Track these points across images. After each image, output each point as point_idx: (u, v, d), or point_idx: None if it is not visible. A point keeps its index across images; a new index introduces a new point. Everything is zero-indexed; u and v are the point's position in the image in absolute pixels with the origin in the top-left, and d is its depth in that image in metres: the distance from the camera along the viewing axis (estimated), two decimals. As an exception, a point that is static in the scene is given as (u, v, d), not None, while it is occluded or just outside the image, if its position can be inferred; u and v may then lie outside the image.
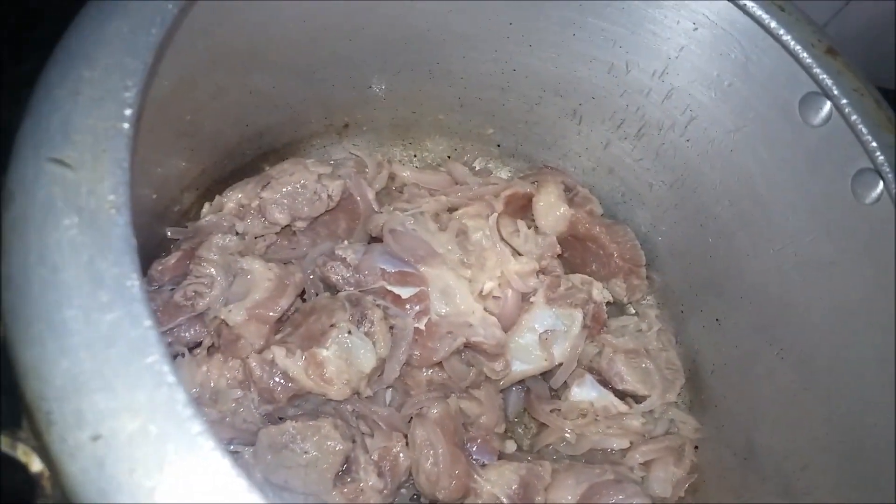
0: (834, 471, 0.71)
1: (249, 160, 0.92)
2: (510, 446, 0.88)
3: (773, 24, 0.69)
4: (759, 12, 0.71)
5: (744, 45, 0.76)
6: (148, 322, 0.39)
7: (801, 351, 0.78)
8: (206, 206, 0.88)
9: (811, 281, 0.77)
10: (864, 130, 0.65)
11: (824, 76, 0.67)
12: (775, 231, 0.80)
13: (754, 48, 0.75)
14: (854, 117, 0.66)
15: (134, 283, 0.40)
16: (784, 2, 0.71)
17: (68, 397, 0.38)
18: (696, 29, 0.78)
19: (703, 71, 0.81)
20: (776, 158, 0.78)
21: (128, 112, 0.44)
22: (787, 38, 0.68)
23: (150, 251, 0.80)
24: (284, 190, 0.87)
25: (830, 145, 0.72)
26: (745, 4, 0.71)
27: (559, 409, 0.90)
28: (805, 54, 0.68)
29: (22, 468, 0.39)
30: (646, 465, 0.88)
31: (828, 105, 0.71)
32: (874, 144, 0.66)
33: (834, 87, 0.67)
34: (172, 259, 0.80)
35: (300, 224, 0.89)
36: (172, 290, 0.79)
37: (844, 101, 0.66)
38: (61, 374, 0.38)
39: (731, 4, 0.73)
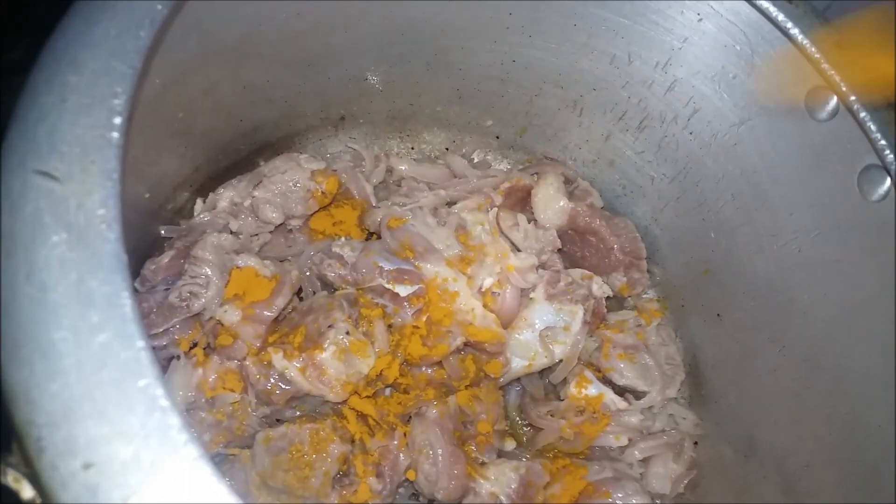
0: (837, 470, 0.70)
1: (244, 155, 0.90)
2: (509, 444, 0.88)
3: (780, 17, 0.67)
4: (766, 4, 0.69)
5: (750, 37, 0.74)
6: (140, 343, 0.38)
7: (804, 348, 0.78)
8: (199, 203, 0.86)
9: (815, 278, 0.77)
10: (873, 127, 0.64)
11: (832, 71, 0.65)
12: (779, 227, 0.79)
13: (760, 41, 0.73)
14: (862, 114, 0.64)
15: (125, 302, 0.38)
16: (791, -7, 0.69)
17: (59, 423, 0.36)
18: (700, 20, 0.76)
19: (707, 63, 0.79)
20: (781, 153, 0.77)
21: (117, 120, 0.42)
22: (794, 31, 0.67)
23: (143, 250, 0.79)
24: (276, 189, 0.86)
25: (837, 141, 0.71)
26: (752, -4, 0.70)
27: (553, 412, 0.88)
28: (813, 49, 0.66)
29: (12, 495, 0.38)
30: (645, 461, 0.88)
31: (834, 99, 0.70)
32: (882, 142, 0.64)
33: (842, 83, 0.65)
34: (166, 258, 0.78)
35: (295, 222, 0.87)
36: (166, 290, 0.78)
37: (853, 97, 0.65)
38: (51, 398, 0.37)
39: (737, -4, 0.71)
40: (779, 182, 0.78)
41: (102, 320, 0.38)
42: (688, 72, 0.82)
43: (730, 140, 0.82)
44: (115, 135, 0.42)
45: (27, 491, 0.38)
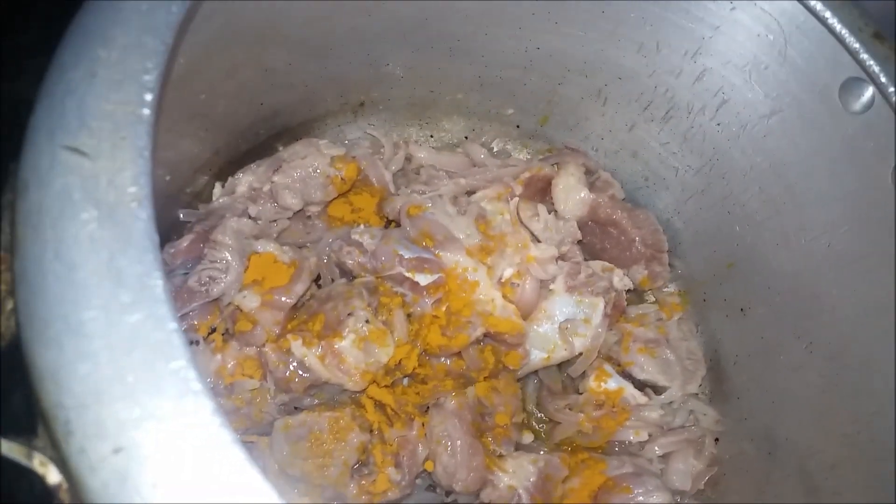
0: (864, 471, 0.69)
1: (263, 140, 0.89)
2: (527, 437, 0.87)
3: (818, 7, 0.66)
4: (803, -7, 0.67)
5: (783, 26, 0.72)
6: (172, 325, 0.37)
7: (831, 345, 0.76)
8: (218, 187, 0.85)
9: (844, 273, 0.75)
10: (913, 120, 0.62)
11: (871, 62, 0.64)
12: (807, 220, 0.78)
13: (794, 30, 0.72)
14: (902, 106, 0.63)
15: (157, 282, 0.37)
16: (829, -17, 0.68)
17: (88, 406, 0.35)
18: (733, 9, 0.75)
19: (738, 52, 0.78)
20: (812, 145, 0.76)
21: (148, 97, 0.41)
22: (832, 20, 0.65)
23: (161, 234, 0.77)
24: (296, 174, 0.84)
25: (871, 133, 0.69)
26: (788, -16, 0.68)
27: (571, 405, 0.87)
28: (851, 38, 0.64)
29: (38, 479, 0.37)
30: (665, 457, 0.86)
31: (870, 91, 0.69)
32: (922, 135, 0.63)
33: (881, 74, 0.64)
34: (185, 242, 0.77)
35: (314, 209, 0.86)
36: (185, 274, 0.77)
37: (892, 88, 0.63)
38: (80, 380, 0.36)
39: (772, -16, 0.70)
40: (809, 175, 0.76)
41: (134, 300, 0.37)
42: (718, 61, 0.80)
43: (759, 132, 0.80)
44: (147, 111, 0.41)
45: (54, 475, 0.37)
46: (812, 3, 0.66)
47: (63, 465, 0.36)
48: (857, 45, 0.64)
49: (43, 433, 0.37)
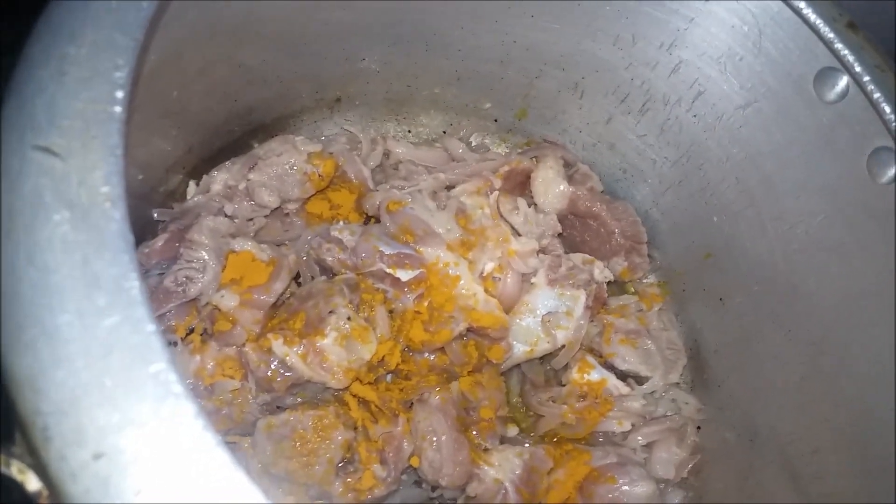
0: (845, 455, 0.70)
1: (237, 137, 0.88)
2: (512, 430, 0.87)
3: (791, -3, 0.66)
4: (777, -17, 0.68)
5: (758, 17, 0.73)
6: (151, 327, 0.36)
7: (810, 333, 0.77)
8: (192, 185, 0.84)
9: (821, 262, 0.76)
10: (887, 109, 0.63)
11: (846, 51, 0.65)
12: (784, 210, 0.79)
13: (769, 21, 0.72)
14: (877, 94, 0.63)
15: (133, 284, 0.36)
16: (803, -27, 0.68)
17: (66, 411, 0.34)
18: (707, 0, 0.75)
19: (713, 44, 0.78)
20: (787, 135, 0.76)
21: (119, 94, 0.40)
22: (807, 11, 0.66)
23: (135, 234, 0.76)
24: (272, 171, 0.83)
25: (845, 122, 0.70)
26: (762, -25, 0.68)
27: (554, 398, 0.87)
28: (826, 28, 0.65)
29: (17, 487, 0.36)
30: (648, 446, 0.87)
31: (844, 81, 0.69)
32: (896, 123, 0.64)
33: (856, 63, 0.64)
34: (160, 241, 0.76)
35: (291, 206, 0.85)
36: (160, 274, 0.76)
37: (867, 77, 0.64)
38: (57, 385, 0.35)
39: (746, -25, 0.70)
40: (785, 165, 0.77)
41: (110, 303, 0.36)
42: (693, 53, 0.80)
43: (735, 123, 0.81)
44: (118, 109, 0.40)
45: (33, 483, 0.36)
46: (786, -7, 0.66)
47: (43, 472, 0.35)
48: (831, 35, 0.65)
49: (20, 440, 0.36)
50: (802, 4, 0.66)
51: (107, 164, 0.38)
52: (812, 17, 0.66)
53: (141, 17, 0.43)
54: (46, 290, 0.36)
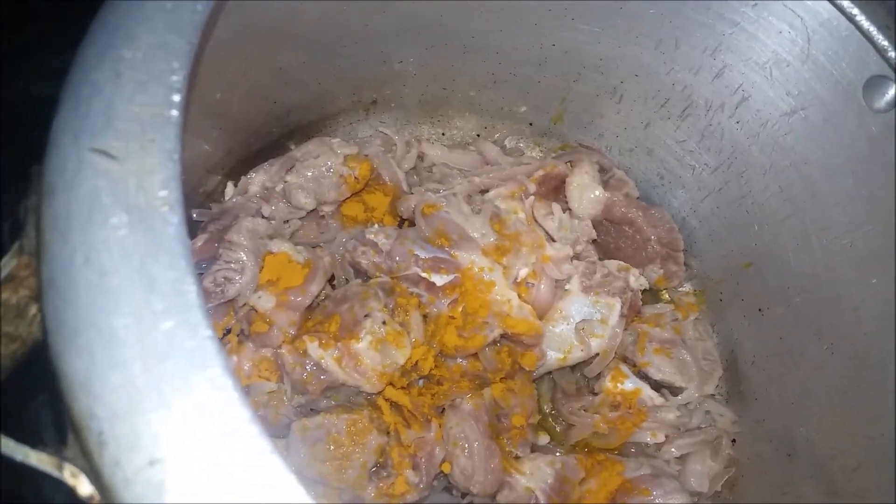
0: (889, 474, 0.68)
1: (275, 139, 0.88)
2: (543, 438, 0.86)
3: (845, 4, 0.65)
4: (828, -12, 0.67)
5: (807, 22, 0.71)
6: (207, 332, 0.35)
7: (853, 346, 0.75)
8: (230, 187, 0.84)
9: (866, 273, 0.74)
10: (942, 119, 0.62)
11: (899, 59, 0.63)
12: (829, 220, 0.77)
13: (818, 27, 0.71)
14: (931, 105, 0.62)
15: (190, 288, 0.36)
16: (856, -21, 0.67)
17: (121, 416, 0.34)
18: (755, 4, 0.74)
19: (758, 49, 0.77)
20: (835, 143, 0.75)
21: (176, 98, 0.40)
22: (860, 18, 0.64)
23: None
24: (309, 174, 0.83)
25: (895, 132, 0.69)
26: (814, -19, 0.67)
27: (586, 407, 0.86)
28: (879, 36, 0.63)
29: (68, 491, 0.36)
30: (681, 458, 0.86)
31: (894, 89, 0.68)
32: (949, 134, 0.62)
33: (909, 72, 0.63)
34: (199, 242, 0.76)
35: (327, 208, 0.85)
36: (199, 274, 0.75)
37: (921, 86, 0.62)
38: (113, 390, 0.35)
39: (796, -20, 0.69)
40: (831, 174, 0.76)
41: (167, 307, 0.36)
42: (738, 58, 0.79)
43: (780, 130, 0.79)
44: (174, 112, 0.40)
45: (85, 487, 0.36)
46: (840, 0, 0.65)
47: (95, 476, 0.35)
48: (884, 43, 0.63)
49: (73, 443, 0.36)
50: (856, 11, 0.64)
51: (165, 168, 0.38)
52: (865, 24, 0.64)
53: (196, 19, 0.43)
54: (103, 292, 0.36)
